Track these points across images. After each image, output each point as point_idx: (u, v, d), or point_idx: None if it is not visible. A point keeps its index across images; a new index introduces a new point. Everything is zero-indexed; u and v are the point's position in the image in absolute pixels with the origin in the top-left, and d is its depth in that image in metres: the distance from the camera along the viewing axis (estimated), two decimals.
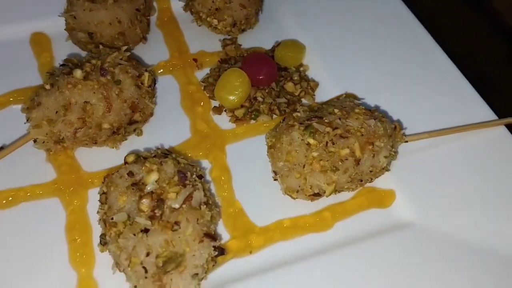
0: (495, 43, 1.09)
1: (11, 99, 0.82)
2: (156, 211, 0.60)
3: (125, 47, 0.76)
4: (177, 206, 0.61)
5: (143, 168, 0.64)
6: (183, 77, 0.89)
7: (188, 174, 0.64)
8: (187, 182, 0.63)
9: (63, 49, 0.89)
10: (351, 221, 0.75)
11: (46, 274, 0.66)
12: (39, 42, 0.90)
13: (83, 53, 0.88)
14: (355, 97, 0.85)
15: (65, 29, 0.86)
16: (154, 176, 0.63)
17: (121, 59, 0.74)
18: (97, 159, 0.77)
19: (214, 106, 0.86)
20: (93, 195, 0.73)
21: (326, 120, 0.71)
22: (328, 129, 0.70)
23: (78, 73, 0.70)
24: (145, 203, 0.61)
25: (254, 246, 0.71)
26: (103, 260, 0.67)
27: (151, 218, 0.60)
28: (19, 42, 0.90)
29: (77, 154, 0.77)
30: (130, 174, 0.64)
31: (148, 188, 0.62)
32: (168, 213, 0.60)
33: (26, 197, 0.72)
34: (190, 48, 0.93)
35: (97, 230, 0.69)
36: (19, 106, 0.81)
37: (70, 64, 0.72)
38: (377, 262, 0.70)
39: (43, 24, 0.92)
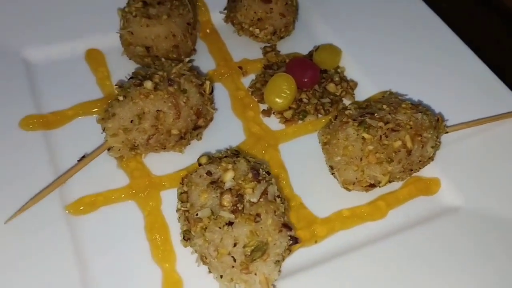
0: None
1: (80, 111, 0.87)
2: (238, 205, 0.66)
3: (188, 59, 0.82)
4: (255, 200, 0.67)
5: (219, 167, 0.70)
6: (231, 84, 0.95)
7: (260, 170, 0.70)
8: (260, 178, 0.69)
9: (117, 63, 0.95)
10: (403, 208, 0.82)
11: (132, 271, 0.71)
12: (94, 58, 0.96)
13: (137, 66, 0.94)
14: (398, 94, 0.91)
15: (122, 45, 0.92)
16: (230, 174, 0.68)
17: (184, 70, 0.79)
18: (164, 163, 0.82)
19: (263, 109, 0.92)
20: (165, 196, 0.79)
21: (377, 116, 0.77)
22: (380, 123, 0.76)
23: (149, 84, 0.75)
24: (227, 199, 0.66)
25: (319, 236, 0.77)
26: (183, 255, 0.73)
27: (234, 212, 0.65)
28: (75, 59, 0.95)
29: (145, 160, 0.83)
30: (209, 173, 0.70)
31: (227, 185, 0.68)
32: (249, 207, 0.66)
33: (104, 202, 0.77)
34: (233, 57, 0.99)
35: (173, 228, 0.76)
36: (84, 118, 0.88)
37: (140, 77, 0.78)
38: (429, 246, 0.76)
39: (96, 41, 0.97)
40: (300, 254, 0.75)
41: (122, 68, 0.94)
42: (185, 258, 0.72)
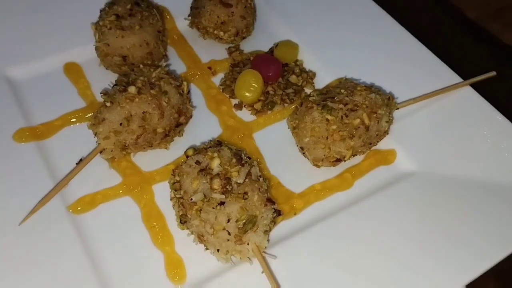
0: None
1: (67, 120, 0.94)
2: (227, 187, 0.76)
3: (165, 63, 0.90)
4: (241, 181, 0.76)
5: (206, 156, 0.79)
6: (203, 83, 1.04)
7: (242, 155, 0.80)
8: (243, 162, 0.79)
9: (94, 73, 1.02)
10: (366, 178, 0.93)
11: (137, 256, 0.80)
12: (73, 70, 1.03)
13: (114, 75, 1.01)
14: (352, 79, 1.03)
15: (98, 56, 0.99)
16: (217, 161, 0.78)
17: (163, 73, 0.88)
18: (152, 160, 0.91)
19: (235, 104, 1.02)
20: (157, 189, 0.88)
21: (337, 99, 0.89)
22: (340, 105, 0.87)
23: (133, 89, 0.84)
24: (217, 183, 0.75)
25: (297, 209, 0.87)
26: (180, 238, 0.82)
27: (224, 193, 0.75)
28: (56, 73, 1.02)
29: (134, 159, 0.91)
30: (197, 162, 0.79)
31: (215, 171, 0.77)
32: (236, 187, 0.76)
33: (102, 199, 0.85)
34: (201, 58, 1.08)
35: (168, 216, 0.84)
36: (71, 126, 0.95)
37: (123, 83, 0.86)
38: (391, 207, 0.87)
39: (72, 55, 1.04)
40: (283, 226, 0.85)
41: (100, 77, 1.02)
42: (182, 240, 0.81)
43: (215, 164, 0.77)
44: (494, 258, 0.80)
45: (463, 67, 1.07)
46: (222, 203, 0.74)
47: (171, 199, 0.81)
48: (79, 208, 0.84)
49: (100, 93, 0.89)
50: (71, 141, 0.92)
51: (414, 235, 0.83)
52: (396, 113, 0.97)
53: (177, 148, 0.93)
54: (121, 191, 0.86)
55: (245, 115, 1.01)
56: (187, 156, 0.82)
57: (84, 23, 1.04)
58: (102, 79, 1.01)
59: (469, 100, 1.01)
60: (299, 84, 1.04)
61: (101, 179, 0.88)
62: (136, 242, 0.82)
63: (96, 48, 0.99)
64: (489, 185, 0.89)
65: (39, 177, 0.85)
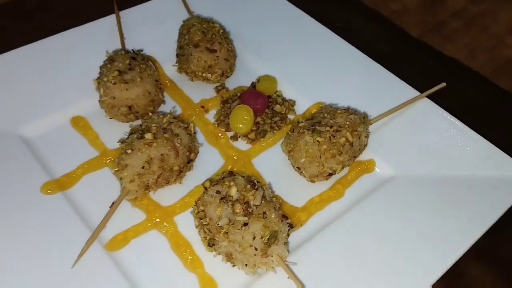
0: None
1: (86, 169, 1.05)
2: (247, 210, 0.88)
3: (173, 110, 1.03)
4: (258, 203, 0.89)
5: (224, 186, 0.92)
6: (199, 121, 1.16)
7: (255, 181, 0.94)
8: (256, 186, 0.92)
9: (100, 124, 1.13)
10: (354, 186, 1.08)
11: (173, 280, 0.90)
12: (80, 123, 1.12)
13: (119, 123, 1.12)
14: (329, 104, 1.19)
15: (103, 108, 1.10)
16: (234, 189, 0.90)
17: (172, 118, 1.01)
18: (168, 195, 1.02)
19: (231, 136, 1.15)
20: (178, 219, 0.99)
21: (323, 123, 1.04)
22: (327, 128, 1.02)
23: (149, 135, 0.96)
24: (238, 207, 0.88)
25: (302, 220, 1.01)
26: (207, 260, 0.93)
27: (246, 215, 0.88)
28: (64, 127, 1.12)
29: (153, 196, 1.02)
30: (218, 192, 0.91)
31: (234, 197, 0.90)
32: (256, 209, 0.89)
33: (134, 235, 0.96)
34: (193, 99, 1.21)
35: (193, 242, 0.96)
36: (91, 175, 1.05)
37: (139, 131, 0.97)
38: (377, 209, 1.01)
39: (76, 109, 1.15)
40: (293, 236, 0.98)
41: (106, 127, 1.12)
42: (210, 262, 0.93)
43: (233, 192, 0.90)
44: (467, 243, 0.95)
45: (417, 79, 1.25)
46: (245, 224, 0.87)
47: (196, 227, 0.93)
48: (114, 246, 0.94)
49: (118, 142, 1.00)
50: (92, 187, 1.02)
51: (398, 232, 0.97)
52: (370, 128, 1.13)
53: (188, 181, 1.05)
54: (148, 226, 0.97)
55: (242, 145, 1.14)
56: (206, 188, 0.94)
57: (84, 80, 1.14)
58: (108, 128, 1.11)
59: (427, 109, 1.18)
60: (283, 112, 1.19)
61: (127, 218, 0.98)
62: (170, 268, 0.92)
63: (101, 102, 1.09)
64: (454, 178, 1.06)
65: (72, 222, 0.95)
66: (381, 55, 1.31)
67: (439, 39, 1.52)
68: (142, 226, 0.97)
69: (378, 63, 1.28)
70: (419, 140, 1.14)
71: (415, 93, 1.21)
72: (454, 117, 1.16)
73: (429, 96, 1.20)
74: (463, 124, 1.15)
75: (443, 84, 1.21)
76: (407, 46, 1.47)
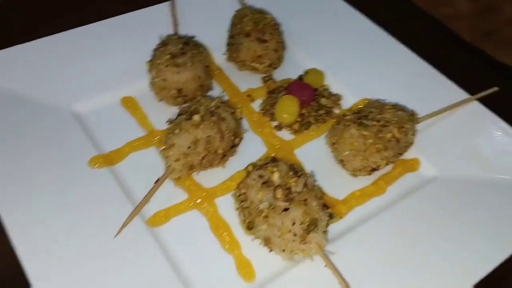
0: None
1: (133, 147, 1.07)
2: (289, 195, 0.89)
3: (221, 95, 1.05)
4: (300, 190, 0.89)
5: (267, 171, 0.92)
6: (245, 110, 1.17)
7: (297, 168, 0.94)
8: (299, 174, 0.93)
9: (149, 105, 1.16)
10: (396, 184, 1.07)
11: (210, 260, 0.91)
12: (130, 103, 1.16)
13: (167, 106, 1.15)
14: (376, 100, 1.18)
15: (153, 90, 1.13)
16: (277, 174, 0.90)
17: (220, 103, 1.02)
18: (210, 177, 1.03)
19: (275, 125, 1.16)
20: (219, 202, 1.00)
21: (370, 117, 1.03)
22: (374, 122, 1.02)
23: (197, 117, 0.97)
24: (279, 192, 0.88)
25: (342, 213, 1.01)
26: (244, 243, 0.94)
27: (287, 200, 0.88)
28: (113, 106, 1.15)
29: (196, 178, 1.04)
30: (260, 176, 0.92)
31: (276, 183, 0.90)
32: (297, 196, 0.89)
33: (175, 213, 0.98)
34: (240, 88, 1.23)
35: (232, 224, 0.97)
36: (137, 153, 1.08)
37: (188, 113, 0.99)
38: (418, 209, 1.00)
39: (127, 89, 1.18)
40: (332, 228, 0.98)
41: (154, 108, 1.15)
42: (247, 245, 0.94)
43: (276, 177, 0.90)
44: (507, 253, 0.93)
45: (468, 83, 1.23)
46: (286, 209, 0.87)
47: (236, 209, 0.94)
48: (156, 222, 0.96)
49: (166, 122, 1.02)
50: (138, 164, 1.05)
51: (439, 234, 0.96)
52: (417, 127, 1.11)
53: (231, 166, 1.06)
54: (190, 205, 0.99)
55: (285, 135, 1.14)
56: (248, 172, 0.95)
57: (137, 62, 1.18)
58: (156, 110, 1.14)
59: (477, 112, 1.16)
60: (329, 106, 1.19)
61: (170, 197, 1.00)
62: (208, 248, 0.94)
63: (153, 83, 1.12)
64: (500, 184, 1.04)
65: (117, 196, 0.97)
66: (432, 57, 1.29)
67: (490, 46, 1.48)
68: (183, 205, 0.99)
69: (430, 64, 1.26)
70: (466, 143, 1.12)
71: (465, 95, 1.19)
72: (504, 122, 1.13)
73: (479, 100, 1.18)
74: None
75: (495, 89, 1.19)
76: (459, 50, 1.44)
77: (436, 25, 1.54)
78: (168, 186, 1.02)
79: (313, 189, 0.91)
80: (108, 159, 1.04)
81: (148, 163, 1.05)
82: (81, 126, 1.09)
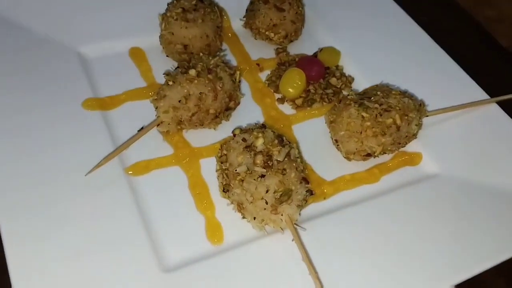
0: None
1: (130, 96, 1.06)
2: (268, 163, 0.85)
3: (222, 53, 1.02)
4: (281, 159, 0.86)
5: (252, 136, 0.89)
6: (250, 77, 1.15)
7: (284, 138, 0.90)
8: (284, 143, 0.89)
9: (156, 59, 1.15)
10: (392, 175, 1.01)
11: (182, 217, 0.89)
12: (137, 54, 1.15)
13: (174, 63, 1.13)
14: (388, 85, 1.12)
15: (161, 43, 1.12)
16: (261, 140, 0.87)
17: (220, 61, 0.99)
18: (201, 138, 1.01)
19: (278, 98, 1.12)
20: (203, 163, 0.98)
21: (373, 99, 0.98)
22: (376, 105, 0.96)
23: (193, 72, 0.95)
24: (259, 158, 0.85)
25: (327, 194, 0.96)
26: (220, 206, 0.92)
27: (265, 167, 0.85)
28: (121, 55, 1.15)
29: (185, 135, 1.02)
30: (244, 140, 0.89)
31: (259, 148, 0.87)
32: (276, 164, 0.85)
33: (156, 166, 0.96)
34: (251, 56, 1.20)
35: (211, 186, 0.95)
36: (133, 102, 1.07)
37: (185, 67, 0.97)
38: (411, 204, 0.95)
39: (137, 41, 1.17)
40: (313, 207, 0.94)
41: (160, 63, 1.13)
42: (222, 209, 0.91)
43: (259, 143, 0.87)
44: (495, 260, 0.87)
45: (492, 87, 1.15)
46: (262, 176, 0.84)
47: (216, 171, 0.92)
48: (135, 171, 0.94)
49: (163, 74, 1.00)
50: (131, 113, 1.04)
51: (427, 231, 0.91)
52: (425, 120, 1.05)
53: (224, 130, 1.03)
54: (172, 161, 0.97)
55: (287, 109, 1.11)
56: (234, 135, 0.92)
57: (151, 13, 1.16)
58: (162, 64, 1.13)
59: (494, 116, 1.09)
60: (338, 86, 1.14)
61: (156, 149, 0.98)
62: (182, 205, 0.92)
63: (161, 36, 1.11)
64: (501, 192, 0.97)
65: (102, 139, 0.96)
66: (460, 56, 1.22)
67: None
68: (166, 160, 0.97)
69: (454, 59, 1.20)
70: (476, 145, 1.05)
71: (485, 96, 1.12)
72: None
73: (500, 104, 1.10)
74: None
75: None
76: (490, 54, 1.36)
77: (473, 26, 1.46)
78: (157, 140, 1.00)
79: (295, 160, 0.88)
80: (103, 103, 1.03)
81: (143, 114, 1.03)
82: (83, 68, 1.09)
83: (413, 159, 1.04)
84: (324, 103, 1.11)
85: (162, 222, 0.89)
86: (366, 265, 0.85)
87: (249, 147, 0.88)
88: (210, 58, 1.00)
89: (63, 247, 0.81)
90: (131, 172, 0.94)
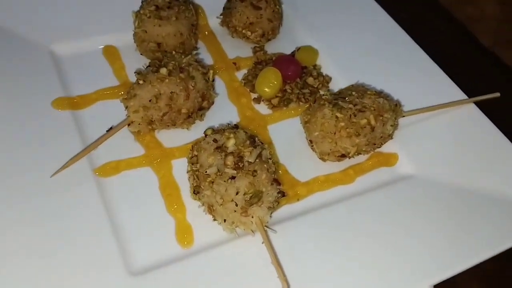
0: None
1: (101, 95, 1.04)
2: (239, 164, 0.84)
3: (195, 52, 1.00)
4: (252, 160, 0.84)
5: (223, 136, 0.87)
6: (227, 76, 1.13)
7: (256, 139, 0.89)
8: (256, 144, 0.87)
9: (129, 57, 1.12)
10: (367, 176, 1.00)
11: (151, 219, 0.88)
12: (111, 52, 1.13)
13: (148, 61, 1.11)
14: (364, 85, 1.11)
15: (135, 41, 1.10)
16: (232, 141, 0.86)
17: (192, 60, 0.98)
18: (173, 138, 0.99)
19: (254, 98, 1.10)
20: (175, 164, 0.96)
21: (347, 100, 0.97)
22: (350, 105, 0.95)
23: (164, 70, 0.93)
24: (230, 160, 0.84)
25: (300, 195, 0.95)
26: (191, 208, 0.90)
27: (235, 169, 0.83)
28: (95, 53, 1.13)
29: (157, 135, 1.00)
30: (215, 140, 0.87)
31: (230, 149, 0.85)
32: (247, 165, 0.84)
33: (126, 167, 0.94)
34: (228, 54, 1.18)
35: (182, 188, 0.93)
36: (104, 101, 1.05)
37: (156, 65, 0.95)
38: (385, 205, 0.93)
39: (111, 39, 1.15)
40: (286, 209, 0.92)
41: (134, 61, 1.11)
42: (193, 211, 0.89)
43: (231, 144, 0.85)
44: (471, 261, 0.86)
45: (471, 87, 1.14)
46: (233, 178, 0.82)
47: (187, 172, 0.90)
48: (103, 172, 0.92)
49: (134, 72, 0.98)
50: (103, 113, 1.02)
51: (401, 232, 0.90)
52: (402, 121, 1.04)
53: (197, 130, 1.01)
54: (143, 162, 0.95)
55: (263, 108, 1.09)
56: (206, 135, 0.91)
57: (125, 11, 1.14)
58: (136, 63, 1.11)
59: (471, 116, 1.08)
60: (315, 86, 1.13)
61: (126, 150, 0.97)
62: (152, 207, 0.90)
63: (134, 34, 1.09)
64: (477, 193, 0.96)
65: (71, 140, 0.95)
66: (440, 55, 1.21)
67: (509, 55, 1.39)
68: (137, 160, 0.95)
69: (432, 58, 1.19)
70: (452, 146, 1.04)
71: (462, 96, 1.11)
72: (498, 130, 1.05)
73: (477, 104, 1.09)
74: (508, 140, 1.03)
75: (497, 94, 1.10)
76: (470, 53, 1.35)
77: (454, 24, 1.45)
78: (128, 140, 0.98)
79: (266, 161, 0.86)
80: (73, 103, 1.01)
81: (114, 114, 1.01)
82: (55, 66, 1.07)
83: (389, 160, 1.03)
84: (301, 103, 1.10)
85: (131, 224, 0.87)
86: (338, 267, 0.84)
87: (220, 148, 0.86)
88: (183, 56, 0.98)
89: (26, 248, 0.79)
90: (98, 173, 0.92)
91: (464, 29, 1.44)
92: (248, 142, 0.87)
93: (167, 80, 0.93)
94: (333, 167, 1.00)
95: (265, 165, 0.85)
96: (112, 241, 0.83)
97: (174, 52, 1.01)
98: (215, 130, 0.91)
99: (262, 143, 0.90)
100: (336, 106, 0.95)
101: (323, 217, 0.91)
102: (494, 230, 0.90)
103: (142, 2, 1.11)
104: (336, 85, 1.15)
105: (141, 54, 1.12)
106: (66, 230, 0.83)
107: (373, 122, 0.95)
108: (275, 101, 1.09)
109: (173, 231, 0.88)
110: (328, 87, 1.14)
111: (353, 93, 0.98)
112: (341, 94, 0.99)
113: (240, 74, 1.15)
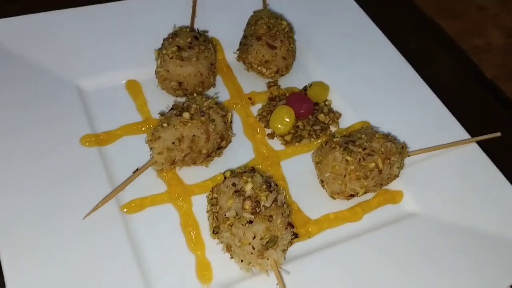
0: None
1: (126, 131, 1.11)
2: (256, 209, 0.90)
3: (215, 95, 1.06)
4: (268, 205, 0.91)
5: (241, 180, 0.94)
6: (242, 111, 1.19)
7: (271, 183, 0.95)
8: (272, 189, 0.94)
9: (152, 92, 1.18)
10: (374, 213, 1.07)
11: (172, 255, 0.94)
12: (133, 87, 1.19)
13: (169, 96, 1.17)
14: (369, 125, 1.17)
15: (157, 79, 1.16)
16: (250, 185, 0.92)
17: (213, 103, 1.04)
18: (193, 175, 1.06)
19: (268, 133, 1.17)
20: (195, 200, 1.03)
21: (357, 143, 1.03)
22: (359, 149, 1.01)
23: (187, 115, 0.99)
24: (248, 204, 0.90)
25: (311, 233, 1.02)
26: (210, 246, 0.97)
27: (253, 213, 0.90)
28: (118, 88, 1.19)
29: (179, 172, 1.06)
30: (233, 184, 0.94)
31: (247, 194, 0.92)
32: (264, 210, 0.90)
33: (150, 203, 1.01)
34: (244, 89, 1.24)
35: (202, 225, 1.00)
36: (129, 137, 1.11)
37: (179, 108, 1.01)
38: (392, 242, 1.00)
39: (134, 74, 1.21)
40: (297, 246, 0.99)
41: (156, 97, 1.17)
42: (212, 248, 0.96)
43: (248, 188, 0.92)
44: None
45: (475, 122, 1.20)
46: (250, 222, 0.89)
47: (207, 212, 0.97)
48: (129, 209, 0.99)
49: (158, 114, 1.05)
50: (127, 149, 1.08)
51: (409, 270, 0.96)
52: (407, 160, 1.10)
53: (216, 166, 1.08)
54: (165, 198, 1.01)
55: (276, 144, 1.15)
56: (225, 177, 0.97)
57: (147, 47, 1.20)
58: (158, 98, 1.16)
59: (473, 156, 1.14)
60: (326, 122, 1.19)
61: (149, 187, 1.03)
62: (173, 243, 0.96)
63: (156, 72, 1.15)
64: (481, 234, 1.02)
65: (98, 177, 1.01)
66: (445, 88, 1.27)
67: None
68: (159, 197, 1.02)
69: (440, 95, 1.24)
70: (455, 186, 1.10)
71: (466, 135, 1.17)
72: (499, 172, 1.11)
73: (479, 143, 1.16)
74: (508, 182, 1.10)
75: (498, 134, 1.16)
76: (476, 85, 1.41)
77: (460, 56, 1.51)
78: (151, 176, 1.05)
79: (281, 206, 0.93)
80: (99, 140, 1.07)
81: (139, 149, 1.07)
82: (81, 101, 1.13)
83: (394, 197, 1.09)
84: (312, 139, 1.16)
85: (155, 259, 0.93)
86: None
87: (239, 192, 0.93)
88: (204, 99, 1.04)
89: None
90: (126, 210, 0.99)
91: (468, 59, 1.50)
92: (264, 186, 0.93)
93: (189, 124, 0.99)
94: (342, 204, 1.07)
95: (280, 210, 0.92)
96: (138, 278, 0.90)
97: (195, 94, 1.06)
98: (233, 173, 0.98)
99: (277, 186, 0.96)
100: (346, 150, 1.01)
101: (333, 255, 0.97)
102: (495, 270, 0.97)
103: (164, 40, 1.17)
104: (346, 121, 1.20)
105: (162, 89, 1.17)
106: (95, 267, 0.90)
107: (381, 165, 1.01)
108: (288, 138, 1.15)
109: (193, 267, 0.94)
110: (338, 123, 1.20)
111: (363, 136, 1.05)
112: (351, 137, 1.06)
113: (254, 108, 1.21)
